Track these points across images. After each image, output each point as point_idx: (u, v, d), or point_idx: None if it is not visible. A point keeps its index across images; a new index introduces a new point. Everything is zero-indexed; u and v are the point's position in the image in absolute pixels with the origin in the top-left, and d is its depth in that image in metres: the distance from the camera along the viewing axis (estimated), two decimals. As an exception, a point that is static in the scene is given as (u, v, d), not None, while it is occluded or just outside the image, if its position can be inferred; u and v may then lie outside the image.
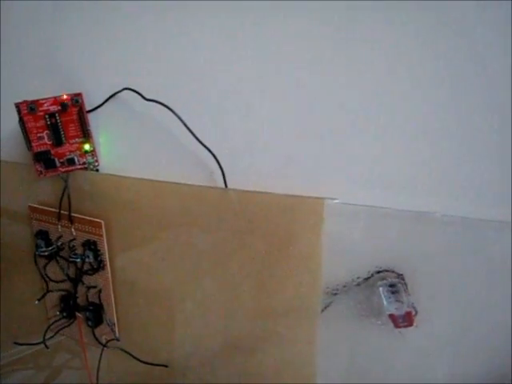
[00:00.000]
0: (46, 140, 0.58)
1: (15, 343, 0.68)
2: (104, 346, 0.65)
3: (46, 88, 0.57)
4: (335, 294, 0.52)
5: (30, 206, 0.64)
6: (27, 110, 0.55)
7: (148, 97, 0.52)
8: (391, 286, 0.49)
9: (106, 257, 0.61)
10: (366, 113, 0.46)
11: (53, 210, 0.62)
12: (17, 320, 0.73)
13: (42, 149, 0.58)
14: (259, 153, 0.51)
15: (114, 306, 0.64)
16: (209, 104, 0.51)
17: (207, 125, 0.52)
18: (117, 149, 0.59)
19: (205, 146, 0.51)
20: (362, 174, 0.48)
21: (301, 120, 0.49)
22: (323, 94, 0.47)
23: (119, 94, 0.55)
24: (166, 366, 0.64)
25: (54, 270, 0.65)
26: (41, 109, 0.56)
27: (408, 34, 0.43)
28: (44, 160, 0.58)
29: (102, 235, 0.60)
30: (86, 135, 0.58)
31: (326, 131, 0.48)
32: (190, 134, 0.51)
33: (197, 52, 0.50)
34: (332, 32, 0.45)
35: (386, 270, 0.50)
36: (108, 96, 0.55)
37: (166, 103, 0.51)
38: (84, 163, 0.59)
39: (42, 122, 0.57)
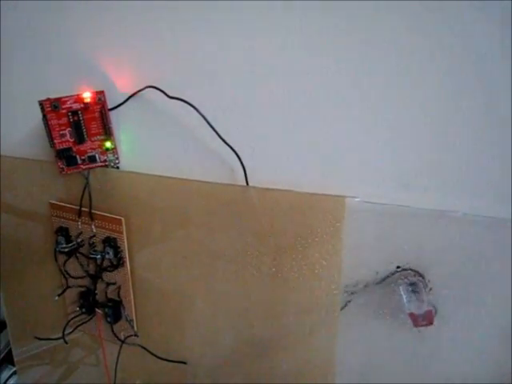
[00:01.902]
0: (68, 137, 0.58)
1: (36, 337, 0.69)
2: (123, 341, 0.66)
3: (69, 86, 0.57)
4: (355, 292, 0.52)
5: (50, 203, 0.65)
6: (51, 107, 0.56)
7: (170, 95, 0.52)
8: (411, 284, 0.49)
9: (126, 254, 0.62)
10: (387, 112, 0.47)
11: (73, 206, 0.63)
12: (36, 315, 0.74)
13: (64, 146, 0.59)
14: (280, 150, 0.52)
15: (132, 302, 0.65)
16: (231, 102, 0.52)
17: (228, 123, 0.52)
18: (138, 146, 0.59)
19: (227, 144, 0.51)
20: (383, 172, 0.48)
21: (323, 118, 0.49)
22: (345, 93, 0.48)
23: (141, 92, 0.55)
24: (185, 363, 0.65)
25: (73, 267, 0.66)
26: (64, 106, 0.56)
27: (417, 31, 0.43)
28: (66, 157, 0.59)
29: (122, 232, 0.61)
30: (108, 133, 0.59)
31: (348, 130, 0.48)
32: (211, 131, 0.52)
33: (220, 50, 0.50)
34: (347, 30, 0.46)
35: (406, 269, 0.50)
36: (130, 94, 0.55)
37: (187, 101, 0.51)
38: (105, 161, 0.60)
39: (64, 120, 0.57)
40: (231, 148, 0.51)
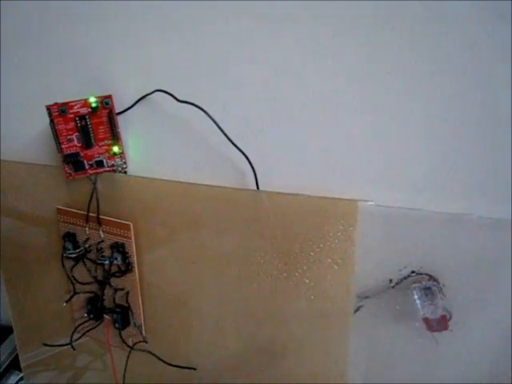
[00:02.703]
0: (75, 142, 0.58)
1: (44, 344, 0.68)
2: (131, 348, 0.65)
3: (76, 90, 0.57)
4: (367, 296, 0.52)
5: (58, 209, 0.65)
6: (58, 112, 0.56)
7: (179, 98, 0.51)
8: (426, 289, 0.49)
9: (134, 259, 0.61)
10: (398, 115, 0.46)
11: (81, 212, 0.62)
12: (43, 321, 0.74)
13: (72, 151, 0.58)
14: (291, 154, 0.51)
15: (141, 308, 0.64)
16: (240, 105, 0.51)
17: (239, 126, 0.51)
18: (146, 151, 0.59)
19: (237, 147, 0.51)
20: (395, 175, 0.48)
21: (334, 122, 0.48)
22: (356, 97, 0.47)
23: (150, 96, 0.54)
24: (194, 369, 0.64)
25: (81, 272, 0.65)
26: (71, 111, 0.56)
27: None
28: (73, 162, 0.59)
29: (130, 237, 0.60)
30: (115, 137, 0.58)
31: (359, 133, 0.48)
32: (220, 135, 0.51)
33: (228, 52, 0.50)
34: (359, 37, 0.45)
35: (420, 273, 0.49)
36: (138, 98, 0.55)
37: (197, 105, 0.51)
38: (112, 165, 0.60)
39: (72, 125, 0.57)
40: (241, 151, 0.51)
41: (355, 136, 0.48)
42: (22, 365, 0.81)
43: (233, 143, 0.51)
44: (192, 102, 0.51)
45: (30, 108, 0.62)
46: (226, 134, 0.50)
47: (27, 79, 0.61)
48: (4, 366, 0.86)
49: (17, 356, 0.83)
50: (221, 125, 0.51)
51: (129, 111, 0.57)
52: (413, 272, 0.49)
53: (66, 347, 0.71)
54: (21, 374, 0.82)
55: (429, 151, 0.46)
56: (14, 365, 0.86)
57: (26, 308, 0.76)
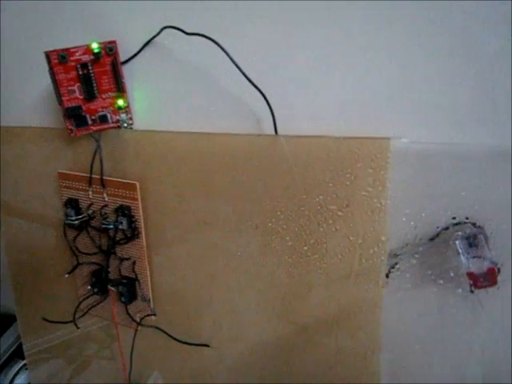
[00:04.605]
0: (77, 94, 0.53)
1: (43, 319, 0.63)
2: (138, 323, 0.59)
3: (77, 37, 0.52)
4: (402, 253, 0.45)
5: (59, 173, 0.60)
6: (58, 59, 0.51)
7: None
8: (469, 237, 0.42)
9: (141, 223, 0.56)
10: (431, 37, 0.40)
11: (84, 174, 0.58)
12: (47, 302, 0.68)
13: (73, 104, 0.53)
14: (312, 93, 0.46)
15: (149, 278, 0.58)
16: (257, 42, 0.46)
17: (254, 65, 0.46)
18: (153, 103, 0.54)
19: (253, 84, 0.46)
20: (432, 107, 0.42)
21: (357, 53, 0.43)
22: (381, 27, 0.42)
23: (156, 40, 0.49)
24: (208, 346, 0.58)
25: (84, 244, 0.60)
26: (72, 58, 0.51)
27: None
28: (75, 116, 0.54)
29: (136, 198, 0.55)
30: (120, 89, 0.53)
31: (385, 59, 0.42)
32: (234, 76, 0.46)
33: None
34: None
35: (463, 222, 0.43)
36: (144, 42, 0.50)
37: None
38: (117, 121, 0.55)
39: (73, 74, 0.52)
40: (258, 89, 0.45)
41: (382, 66, 0.42)
42: (26, 353, 0.76)
43: (248, 79, 0.46)
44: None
45: (29, 65, 0.57)
46: (240, 69, 0.46)
47: (22, 29, 0.56)
48: (7, 355, 0.81)
49: (20, 345, 0.78)
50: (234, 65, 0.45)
51: (135, 61, 0.53)
52: (454, 219, 0.42)
53: (70, 330, 0.65)
54: (24, 361, 0.76)
55: (471, 75, 0.40)
56: (18, 353, 0.81)
57: (29, 290, 0.71)
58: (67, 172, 0.59)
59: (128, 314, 0.60)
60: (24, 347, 0.77)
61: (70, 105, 0.53)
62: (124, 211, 0.56)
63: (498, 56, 0.39)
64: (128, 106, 0.55)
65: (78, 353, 0.72)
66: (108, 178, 0.56)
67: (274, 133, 0.47)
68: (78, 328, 0.62)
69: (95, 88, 0.53)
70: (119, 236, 0.57)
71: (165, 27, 0.48)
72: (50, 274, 0.66)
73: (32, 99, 0.60)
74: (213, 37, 0.46)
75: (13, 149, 0.62)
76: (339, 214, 0.46)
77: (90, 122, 0.55)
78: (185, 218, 0.54)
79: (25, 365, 0.77)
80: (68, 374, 0.72)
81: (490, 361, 0.48)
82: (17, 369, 0.78)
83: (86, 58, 0.52)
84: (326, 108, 0.46)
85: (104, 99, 0.54)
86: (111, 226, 0.56)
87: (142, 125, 0.55)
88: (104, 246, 0.59)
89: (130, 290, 0.59)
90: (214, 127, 0.50)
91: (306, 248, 0.49)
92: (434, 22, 0.40)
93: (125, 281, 0.59)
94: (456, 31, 0.40)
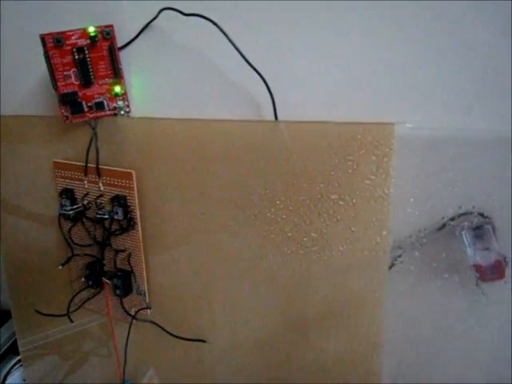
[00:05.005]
0: (73, 79, 0.52)
1: (36, 311, 0.61)
2: (133, 317, 0.57)
3: (73, 21, 0.51)
4: (406, 245, 0.43)
5: (54, 162, 0.58)
6: (53, 42, 0.50)
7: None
8: (476, 228, 0.40)
9: (137, 213, 0.54)
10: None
11: (79, 163, 0.56)
12: (41, 296, 0.67)
13: (69, 90, 0.52)
14: (312, 77, 0.44)
15: (144, 271, 0.57)
16: (256, 25, 0.45)
17: (254, 49, 0.44)
18: (150, 90, 0.52)
19: (252, 67, 0.44)
20: (439, 91, 0.40)
21: (359, 34, 0.41)
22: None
23: (154, 24, 0.48)
24: (204, 341, 0.56)
25: (79, 235, 0.58)
26: (68, 42, 0.50)
27: None
28: (70, 103, 0.52)
29: (132, 188, 0.53)
30: (117, 75, 0.52)
31: (389, 42, 0.40)
32: (232, 62, 0.45)
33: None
34: None
35: (470, 212, 0.41)
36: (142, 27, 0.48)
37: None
38: (114, 108, 0.53)
39: (69, 58, 0.51)
40: (257, 72, 0.44)
41: (385, 47, 0.41)
42: (21, 349, 0.74)
43: (247, 61, 0.44)
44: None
45: (23, 51, 0.56)
46: (238, 49, 0.44)
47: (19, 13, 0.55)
48: (2, 351, 0.79)
49: (16, 341, 0.76)
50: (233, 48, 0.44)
51: (132, 46, 0.51)
52: (460, 208, 0.40)
53: (65, 326, 0.64)
54: (18, 357, 0.75)
55: (480, 58, 0.38)
56: (14, 349, 0.80)
57: (24, 287, 0.69)
58: (63, 161, 0.58)
59: (123, 307, 0.59)
60: (19, 343, 0.75)
61: (65, 90, 0.52)
62: (120, 201, 0.54)
63: (505, 40, 0.37)
64: (125, 93, 0.53)
65: (72, 349, 0.70)
66: (104, 167, 0.55)
67: (274, 118, 0.45)
68: (72, 322, 0.60)
69: (91, 74, 0.52)
70: (115, 227, 0.56)
71: (163, 9, 0.47)
72: (45, 267, 0.64)
73: (26, 87, 0.59)
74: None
75: (7, 138, 0.60)
76: (341, 203, 0.44)
77: (85, 109, 0.53)
78: (181, 207, 0.52)
79: (19, 361, 0.75)
80: (62, 369, 0.71)
81: (496, 359, 0.46)
82: (11, 364, 0.76)
83: (83, 42, 0.51)
84: (329, 93, 0.44)
85: (100, 85, 0.52)
86: (106, 216, 0.55)
87: (139, 112, 0.54)
88: (99, 237, 0.57)
89: (125, 282, 0.57)
90: (213, 113, 0.49)
91: (305, 239, 0.47)
92: (438, 5, 0.38)
93: (120, 273, 0.58)
94: (462, 15, 0.38)
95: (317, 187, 0.45)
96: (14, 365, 0.76)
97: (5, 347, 0.81)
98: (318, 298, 0.49)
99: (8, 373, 0.77)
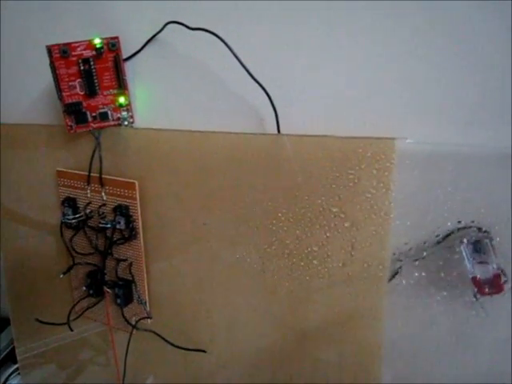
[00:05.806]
0: (78, 90, 0.52)
1: (37, 320, 0.61)
2: (134, 326, 0.58)
3: (79, 33, 0.51)
4: (405, 258, 0.44)
5: (57, 171, 0.59)
6: (59, 53, 0.50)
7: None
8: (475, 242, 0.41)
9: (139, 223, 0.55)
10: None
11: (82, 173, 0.57)
12: (41, 304, 0.67)
13: (74, 100, 0.52)
14: (315, 92, 0.45)
15: (145, 281, 0.57)
16: (260, 39, 0.45)
17: (258, 63, 0.45)
18: (154, 101, 0.53)
19: (255, 81, 0.45)
20: (439, 107, 0.41)
21: (362, 50, 0.42)
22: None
23: (159, 37, 0.49)
24: (204, 352, 0.56)
25: (81, 244, 0.59)
26: (74, 53, 0.51)
27: None
28: (75, 113, 0.53)
29: (135, 198, 0.54)
30: (122, 86, 0.53)
31: (391, 58, 0.41)
32: (236, 76, 0.46)
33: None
34: None
35: (469, 226, 0.42)
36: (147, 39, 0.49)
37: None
38: (118, 119, 0.54)
39: (74, 69, 0.51)
40: (261, 86, 0.45)
41: (387, 63, 0.41)
42: (19, 357, 0.74)
43: (251, 75, 0.45)
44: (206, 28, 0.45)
45: (29, 61, 0.57)
46: (242, 63, 0.45)
47: (23, 26, 0.56)
48: (0, 358, 0.79)
49: (14, 349, 0.76)
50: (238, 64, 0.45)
51: (137, 57, 0.52)
52: (460, 222, 0.41)
53: (64, 334, 0.64)
54: (16, 365, 0.75)
55: (481, 75, 0.39)
56: (12, 357, 0.80)
57: (24, 294, 0.69)
58: (66, 170, 0.58)
59: (123, 316, 0.59)
60: (17, 351, 0.75)
61: (70, 101, 0.53)
62: (122, 210, 0.55)
63: (506, 55, 0.38)
64: (129, 104, 0.54)
65: (71, 357, 0.70)
66: (107, 177, 0.55)
67: (276, 132, 0.46)
68: (71, 330, 0.60)
69: (96, 84, 0.52)
70: (116, 236, 0.56)
71: (168, 22, 0.47)
72: (46, 275, 0.64)
73: (31, 96, 0.59)
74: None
75: (11, 146, 0.60)
76: (341, 216, 0.45)
77: (90, 119, 0.54)
78: (183, 217, 0.53)
79: (17, 369, 0.75)
80: (61, 378, 0.70)
81: (495, 373, 0.46)
82: (9, 373, 0.76)
83: (88, 53, 0.51)
84: (331, 107, 0.44)
85: (105, 96, 0.53)
86: (109, 226, 0.55)
87: (142, 123, 0.54)
88: (101, 246, 0.58)
89: (126, 292, 0.58)
90: (216, 126, 0.49)
91: (306, 251, 0.48)
92: (440, 20, 0.39)
93: (121, 282, 0.58)
94: (463, 30, 0.39)
95: (318, 200, 0.45)
96: (12, 373, 0.76)
97: (3, 355, 0.81)
98: (318, 310, 0.49)
99: (5, 381, 0.76)
